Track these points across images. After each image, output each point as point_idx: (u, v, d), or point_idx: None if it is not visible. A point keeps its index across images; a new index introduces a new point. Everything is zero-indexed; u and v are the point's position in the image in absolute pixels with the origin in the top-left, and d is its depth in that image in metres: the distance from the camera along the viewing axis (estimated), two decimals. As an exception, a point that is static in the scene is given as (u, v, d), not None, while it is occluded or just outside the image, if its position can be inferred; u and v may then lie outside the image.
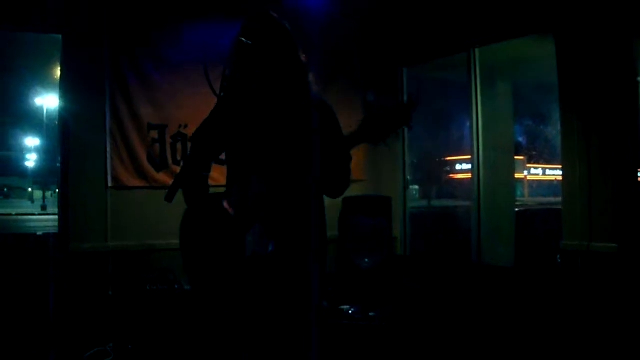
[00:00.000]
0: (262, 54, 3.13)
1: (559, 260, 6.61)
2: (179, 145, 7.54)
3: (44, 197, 43.92)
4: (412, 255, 8.89)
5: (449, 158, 19.36)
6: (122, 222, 7.27)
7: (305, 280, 3.13)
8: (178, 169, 7.35)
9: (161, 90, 7.54)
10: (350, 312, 6.25)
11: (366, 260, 7.56)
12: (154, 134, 7.49)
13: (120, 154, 7.35)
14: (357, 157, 8.63)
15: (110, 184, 7.28)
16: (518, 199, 25.11)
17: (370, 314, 6.22)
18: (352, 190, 8.17)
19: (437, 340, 5.77)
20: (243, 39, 3.11)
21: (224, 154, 3.35)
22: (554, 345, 5.38)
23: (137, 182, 7.39)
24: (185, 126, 7.48)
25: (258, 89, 3.19)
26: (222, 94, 3.22)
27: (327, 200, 7.73)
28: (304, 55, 3.30)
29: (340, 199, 7.75)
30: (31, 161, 51.15)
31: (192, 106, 7.34)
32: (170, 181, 7.02)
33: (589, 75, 6.19)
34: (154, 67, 7.53)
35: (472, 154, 7.95)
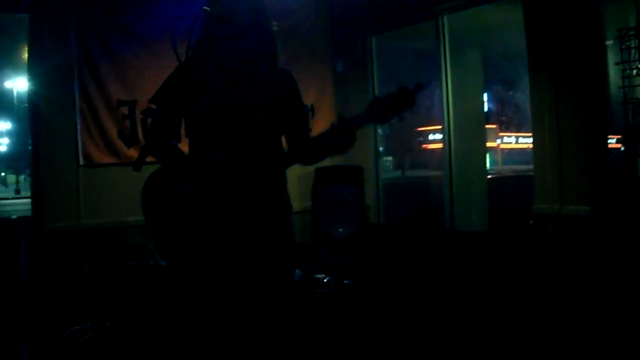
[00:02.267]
0: (229, 23, 3.14)
1: (532, 224, 6.67)
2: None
3: (17, 181, 43.57)
4: (385, 224, 8.95)
5: (421, 128, 19.32)
6: (94, 200, 7.26)
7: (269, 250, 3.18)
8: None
9: (130, 66, 7.50)
10: (325, 280, 6.29)
11: (340, 229, 7.61)
12: (124, 110, 7.46)
13: (91, 131, 7.30)
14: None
15: (81, 162, 7.25)
16: (492, 167, 25.20)
17: (345, 282, 6.26)
18: (324, 161, 8.27)
19: (410, 306, 5.83)
20: (207, 8, 3.12)
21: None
22: (524, 306, 5.46)
23: (108, 159, 7.36)
24: (155, 101, 7.40)
25: (224, 58, 3.21)
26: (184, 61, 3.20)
27: (299, 171, 7.78)
28: (275, 25, 3.32)
29: (312, 169, 7.84)
30: (3, 145, 50.61)
31: (162, 80, 7.24)
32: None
33: (557, 40, 6.23)
34: (122, 43, 7.47)
35: (442, 123, 7.99)
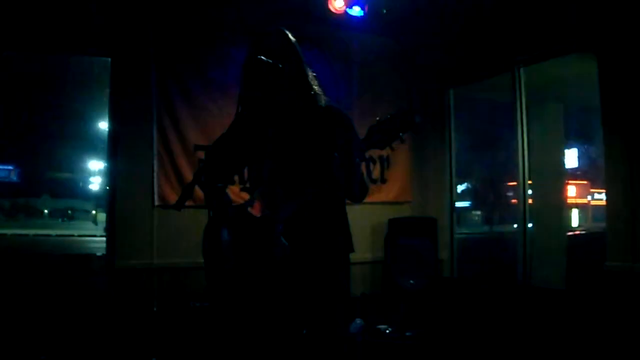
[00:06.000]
0: (282, 73, 3.21)
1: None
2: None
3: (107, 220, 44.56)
4: (459, 278, 8.80)
5: (511, 183, 19.11)
6: (167, 240, 7.37)
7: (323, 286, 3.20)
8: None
9: (208, 112, 7.65)
10: (387, 331, 6.24)
11: (411, 282, 7.54)
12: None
13: (167, 174, 7.46)
14: (404, 178, 8.71)
15: (156, 203, 7.40)
16: (581, 223, 24.66)
17: (407, 333, 6.20)
18: (399, 212, 8.27)
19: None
20: (264, 58, 3.18)
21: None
22: None
23: (183, 201, 7.42)
24: (231, 146, 7.49)
25: (273, 104, 3.28)
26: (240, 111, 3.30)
27: (373, 221, 7.73)
28: (312, 71, 3.37)
29: (386, 220, 7.83)
30: (95, 184, 51.93)
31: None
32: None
33: (631, 94, 6.09)
34: (201, 89, 7.66)
35: (517, 178, 7.85)
